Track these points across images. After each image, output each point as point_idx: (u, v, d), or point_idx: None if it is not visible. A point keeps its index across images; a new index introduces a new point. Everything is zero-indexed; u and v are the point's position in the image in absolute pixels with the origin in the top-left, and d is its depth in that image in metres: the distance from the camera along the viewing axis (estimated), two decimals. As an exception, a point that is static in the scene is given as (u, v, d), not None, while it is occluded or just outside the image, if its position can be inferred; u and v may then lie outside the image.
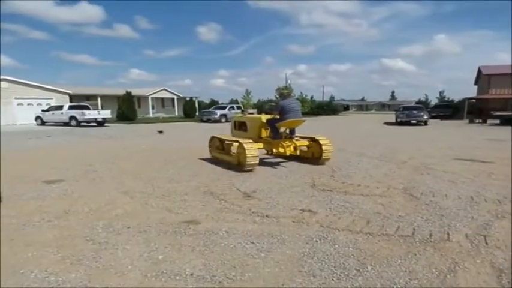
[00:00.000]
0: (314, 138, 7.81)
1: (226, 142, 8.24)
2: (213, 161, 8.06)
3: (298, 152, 7.50)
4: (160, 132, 17.53)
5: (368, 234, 3.48)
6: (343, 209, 4.31)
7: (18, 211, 4.34)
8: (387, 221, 3.88)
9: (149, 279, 2.62)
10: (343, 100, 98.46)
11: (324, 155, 7.47)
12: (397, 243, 3.26)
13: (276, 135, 7.48)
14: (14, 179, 6.27)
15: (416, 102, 63.59)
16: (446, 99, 68.00)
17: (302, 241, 3.31)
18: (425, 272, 2.71)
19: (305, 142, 7.79)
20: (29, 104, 28.32)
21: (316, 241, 3.30)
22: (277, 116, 7.37)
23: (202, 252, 3.07)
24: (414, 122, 24.45)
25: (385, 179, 6.11)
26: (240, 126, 8.50)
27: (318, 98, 66.98)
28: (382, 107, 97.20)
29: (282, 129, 7.58)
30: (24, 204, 4.63)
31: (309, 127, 22.60)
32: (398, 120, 25.12)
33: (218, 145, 8.48)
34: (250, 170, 6.74)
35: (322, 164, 7.50)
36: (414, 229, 3.62)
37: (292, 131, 7.77)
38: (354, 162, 7.84)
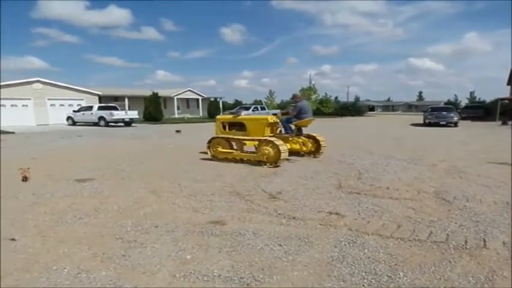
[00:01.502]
0: (313, 136, 8.85)
1: (243, 141, 8.20)
2: (236, 161, 8.04)
3: (305, 148, 8.54)
4: (178, 131, 17.95)
5: (399, 239, 3.37)
6: (372, 213, 4.21)
7: (52, 208, 4.48)
8: (419, 226, 3.75)
9: (178, 279, 2.63)
10: (369, 101, 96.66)
11: (321, 149, 8.71)
12: (430, 250, 3.14)
13: (290, 132, 8.57)
14: (47, 177, 6.50)
15: (445, 103, 61.66)
16: (477, 99, 65.59)
17: (330, 244, 3.24)
18: (461, 280, 2.59)
19: (307, 139, 8.72)
20: (61, 105, 29.33)
21: (345, 245, 3.23)
22: (288, 116, 8.66)
23: (229, 253, 3.06)
24: (443, 123, 23.67)
25: (415, 182, 5.93)
26: (232, 126, 8.72)
27: (342, 98, 66.02)
28: (408, 107, 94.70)
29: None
30: (57, 202, 4.78)
31: (331, 128, 22.33)
32: (427, 121, 24.38)
33: (224, 144, 8.38)
34: (278, 166, 7.27)
35: (317, 157, 8.58)
36: (448, 235, 3.48)
37: (299, 129, 8.81)
38: (382, 165, 7.65)
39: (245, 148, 8.37)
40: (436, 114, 24.29)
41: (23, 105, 27.23)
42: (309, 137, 8.80)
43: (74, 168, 7.53)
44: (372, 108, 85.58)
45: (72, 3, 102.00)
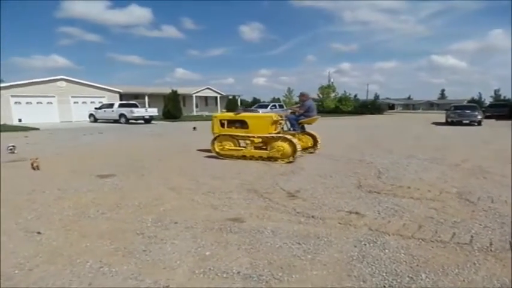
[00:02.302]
0: (311, 133, 9.38)
1: (251, 138, 8.21)
2: (254, 159, 8.03)
3: (309, 144, 9.21)
4: (194, 128, 18.23)
5: (421, 240, 3.30)
6: (393, 212, 4.14)
7: (75, 203, 4.60)
8: (441, 227, 3.66)
9: (197, 275, 2.65)
10: (388, 99, 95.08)
11: (318, 145, 9.28)
12: (453, 251, 3.06)
13: (297, 129, 9.02)
14: (70, 172, 6.68)
15: (469, 101, 59.99)
16: (502, 98, 63.44)
17: (350, 244, 3.21)
18: (485, 283, 2.52)
19: (309, 136, 9.34)
20: (83, 102, 30.06)
21: (365, 245, 3.19)
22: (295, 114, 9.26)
23: (248, 251, 3.07)
24: (466, 122, 23.01)
25: (437, 182, 5.79)
26: (231, 124, 8.70)
27: (361, 96, 65.05)
28: (430, 106, 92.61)
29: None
30: (80, 197, 4.90)
31: (350, 127, 22.09)
32: (449, 120, 23.76)
33: (230, 142, 8.35)
34: (291, 162, 7.56)
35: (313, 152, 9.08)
36: (472, 236, 3.39)
37: (303, 127, 9.30)
38: (403, 164, 7.51)
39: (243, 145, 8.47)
40: (459, 113, 23.64)
41: (48, 103, 28.06)
42: (308, 134, 9.37)
43: (95, 164, 7.71)
44: (391, 107, 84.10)
45: (95, 2, 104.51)
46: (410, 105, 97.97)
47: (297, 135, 8.67)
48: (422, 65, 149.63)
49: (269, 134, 8.12)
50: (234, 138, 8.39)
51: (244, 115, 9.17)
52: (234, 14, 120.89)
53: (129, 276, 2.65)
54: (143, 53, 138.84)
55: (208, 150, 8.79)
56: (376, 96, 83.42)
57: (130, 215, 4.13)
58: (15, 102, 26.29)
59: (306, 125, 9.44)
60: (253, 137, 8.15)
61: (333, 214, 4.09)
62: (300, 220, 3.89)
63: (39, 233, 3.54)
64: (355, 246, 3.15)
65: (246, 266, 2.79)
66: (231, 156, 8.16)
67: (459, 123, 22.80)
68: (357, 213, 4.12)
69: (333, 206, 4.42)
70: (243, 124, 8.56)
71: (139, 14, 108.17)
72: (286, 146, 7.68)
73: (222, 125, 8.77)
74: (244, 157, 8.06)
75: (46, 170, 6.92)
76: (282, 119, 8.92)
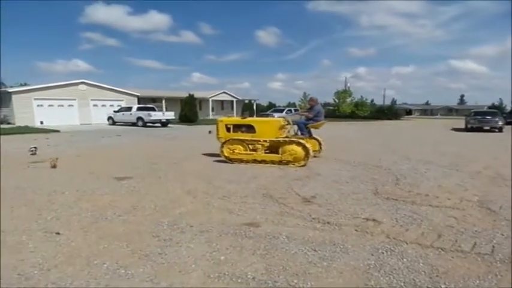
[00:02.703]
0: (316, 138, 9.48)
1: (279, 142, 8.16)
2: (265, 163, 8.01)
3: (316, 148, 9.10)
4: (210, 132, 18.27)
5: (440, 250, 3.22)
6: (411, 220, 4.05)
7: (93, 205, 4.67)
8: (461, 236, 3.57)
9: (212, 279, 2.65)
10: (406, 104, 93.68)
11: (322, 148, 9.34)
12: (474, 262, 2.98)
13: (305, 133, 9.21)
14: (89, 174, 6.80)
15: (489, 107, 58.54)
16: (525, 103, 61.63)
17: (367, 252, 3.15)
18: (509, 296, 2.44)
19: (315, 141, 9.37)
20: (102, 105, 30.65)
21: (383, 253, 3.13)
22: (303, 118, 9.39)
23: (263, 256, 3.06)
24: (487, 128, 22.44)
25: (456, 189, 5.66)
26: (237, 129, 8.72)
27: (378, 101, 64.23)
28: (448, 111, 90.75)
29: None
30: (98, 199, 4.98)
31: (367, 131, 21.82)
32: (469, 126, 23.20)
33: (241, 146, 8.29)
34: (304, 166, 7.67)
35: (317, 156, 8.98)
36: (493, 247, 3.29)
37: (310, 131, 9.42)
38: (420, 171, 7.37)
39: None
40: (480, 119, 23.06)
41: (69, 105, 28.72)
42: (313, 138, 9.46)
43: (113, 166, 7.84)
44: (409, 112, 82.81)
45: (116, 9, 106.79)
46: (428, 111, 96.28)
47: (306, 140, 8.67)
48: (440, 70, 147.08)
49: (277, 138, 8.18)
50: (243, 142, 8.36)
51: (251, 119, 9.27)
52: (250, 19, 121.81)
53: (145, 279, 2.67)
54: (161, 58, 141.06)
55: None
56: (393, 101, 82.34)
57: (146, 217, 4.17)
58: (38, 105, 27.01)
59: (311, 130, 9.57)
60: (265, 141, 8.15)
61: (349, 221, 4.04)
62: (316, 226, 3.85)
63: (58, 233, 3.61)
64: (372, 255, 3.09)
65: (261, 271, 2.78)
66: (241, 161, 8.16)
67: (479, 130, 22.25)
68: (373, 220, 4.06)
69: (349, 212, 4.37)
70: (250, 128, 8.60)
71: (158, 19, 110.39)
72: (299, 150, 7.77)
73: (228, 129, 8.78)
74: (255, 161, 8.06)
75: (66, 171, 7.07)
76: (288, 124, 9.03)
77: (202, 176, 6.71)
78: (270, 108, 40.54)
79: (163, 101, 35.52)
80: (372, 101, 58.26)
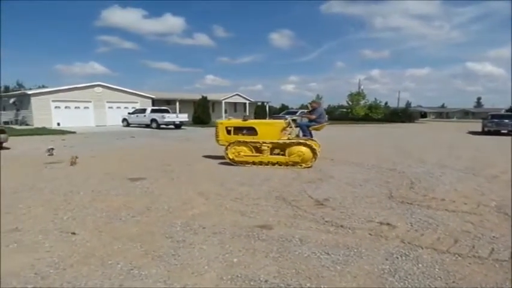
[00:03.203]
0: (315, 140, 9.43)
1: (284, 143, 8.22)
2: (271, 165, 7.99)
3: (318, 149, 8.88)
4: None
5: (456, 255, 3.15)
6: (426, 225, 3.98)
7: (108, 205, 4.73)
8: (478, 242, 3.49)
9: (225, 281, 2.65)
10: (420, 107, 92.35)
11: (318, 150, 8.66)
12: (491, 268, 2.91)
13: (308, 135, 9.31)
14: (104, 175, 6.90)
15: (507, 110, 57.15)
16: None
17: (381, 256, 3.11)
18: (529, 304, 2.37)
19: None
20: (117, 107, 31.09)
21: (397, 258, 3.08)
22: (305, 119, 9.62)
23: (276, 259, 3.04)
24: (504, 131, 21.93)
25: (473, 194, 5.54)
26: (238, 131, 8.72)
27: (392, 104, 63.36)
28: (465, 114, 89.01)
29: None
30: (112, 200, 5.05)
31: (380, 135, 21.56)
32: (486, 129, 22.71)
33: (246, 148, 8.24)
34: (310, 167, 7.79)
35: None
36: (512, 253, 3.20)
37: (311, 133, 9.59)
38: (436, 174, 7.25)
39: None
40: (497, 122, 22.55)
41: (85, 107, 29.24)
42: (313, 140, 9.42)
43: (127, 167, 7.93)
44: (423, 115, 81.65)
45: (132, 12, 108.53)
46: (443, 114, 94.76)
47: (311, 141, 8.73)
48: (457, 72, 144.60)
49: (280, 140, 8.24)
50: (248, 144, 8.29)
51: (253, 122, 9.28)
52: (264, 21, 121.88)
53: (158, 280, 2.69)
54: (175, 60, 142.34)
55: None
56: (408, 104, 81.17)
57: (160, 218, 4.20)
58: (55, 107, 27.58)
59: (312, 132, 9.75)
60: (272, 142, 8.16)
61: (363, 224, 3.99)
62: (329, 229, 3.82)
63: (73, 233, 3.66)
64: (387, 259, 3.05)
65: (273, 274, 2.76)
66: (246, 163, 8.13)
67: (497, 133, 21.77)
68: (388, 224, 4.00)
69: (363, 216, 4.32)
70: (251, 131, 8.62)
71: (173, 22, 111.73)
72: (307, 151, 7.89)
73: (229, 132, 8.76)
74: (261, 163, 8.04)
75: (81, 172, 7.19)
76: (290, 126, 9.06)
77: (214, 177, 6.73)
78: (283, 111, 40.41)
79: (177, 103, 35.82)
80: (386, 103, 57.65)
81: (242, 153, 8.19)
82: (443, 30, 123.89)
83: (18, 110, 28.46)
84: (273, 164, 7.98)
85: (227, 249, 3.25)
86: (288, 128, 8.98)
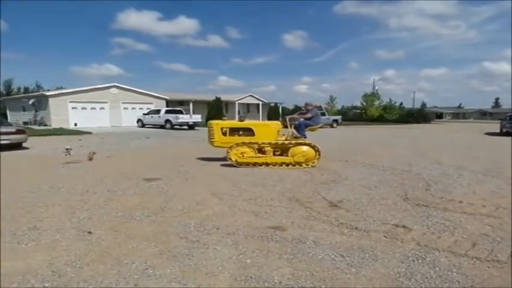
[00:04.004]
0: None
1: (285, 144, 8.29)
2: (274, 166, 7.96)
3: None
4: None
5: (475, 259, 3.08)
6: (443, 228, 3.91)
7: (123, 205, 4.80)
8: (498, 246, 3.40)
9: (239, 282, 2.65)
10: (436, 107, 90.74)
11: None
12: (510, 272, 2.83)
13: (303, 135, 9.04)
14: (119, 175, 6.99)
15: (527, 111, 55.65)
16: None
17: (397, 259, 3.06)
18: (551, 311, 2.30)
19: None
20: (132, 108, 31.50)
21: (413, 261, 3.03)
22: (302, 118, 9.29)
23: (289, 261, 3.03)
24: (524, 132, 21.32)
25: (492, 196, 5.41)
26: (233, 132, 8.66)
27: (407, 104, 62.28)
28: (482, 115, 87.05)
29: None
30: (128, 199, 5.11)
31: (394, 136, 21.26)
32: (504, 130, 22.11)
33: (249, 149, 8.20)
34: (314, 166, 7.94)
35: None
36: (533, 258, 3.12)
37: (305, 134, 9.29)
38: (453, 176, 7.11)
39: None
40: (516, 123, 21.96)
41: (101, 108, 29.72)
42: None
43: (142, 167, 8.02)
44: (439, 115, 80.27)
45: (147, 14, 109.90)
46: (460, 114, 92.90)
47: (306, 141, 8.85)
48: (473, 72, 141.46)
49: (276, 140, 8.33)
50: (251, 145, 8.25)
51: (250, 123, 9.30)
52: (277, 22, 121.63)
53: (173, 279, 2.70)
54: (189, 62, 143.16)
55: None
56: (423, 105, 79.83)
57: (174, 218, 4.23)
58: (72, 108, 28.11)
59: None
60: (273, 144, 8.21)
61: (378, 227, 3.94)
62: (343, 231, 3.79)
63: (90, 232, 3.72)
64: (403, 262, 3.00)
65: (287, 276, 2.75)
66: (249, 164, 8.07)
67: (516, 134, 21.20)
68: (403, 226, 3.94)
69: (378, 218, 4.26)
70: (248, 132, 8.61)
71: (187, 24, 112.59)
72: (310, 151, 8.07)
73: (224, 133, 8.67)
74: (264, 164, 8.03)
75: (97, 172, 7.30)
76: (286, 126, 9.12)
77: (227, 178, 6.75)
78: (296, 112, 40.31)
79: (191, 104, 36.06)
80: (401, 104, 56.58)
81: (246, 155, 8.15)
82: (459, 29, 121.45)
83: (36, 110, 29.11)
84: (279, 164, 8.00)
85: (241, 250, 3.25)
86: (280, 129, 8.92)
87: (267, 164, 8.02)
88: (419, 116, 48.73)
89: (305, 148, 8.09)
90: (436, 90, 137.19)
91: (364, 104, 50.02)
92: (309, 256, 3.13)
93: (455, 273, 2.80)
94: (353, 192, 5.61)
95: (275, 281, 2.67)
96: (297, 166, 7.95)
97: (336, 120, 33.44)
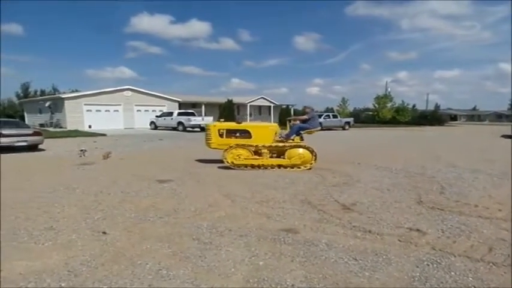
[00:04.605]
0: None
1: (281, 146, 8.27)
2: (271, 168, 7.95)
3: None
4: None
5: (491, 264, 3.02)
6: (459, 232, 3.85)
7: (136, 206, 4.85)
8: (515, 251, 3.33)
9: (251, 284, 2.66)
10: (450, 109, 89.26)
11: None
12: (529, 279, 2.77)
13: (291, 136, 8.89)
14: (132, 176, 7.08)
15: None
16: None
17: (411, 263, 3.02)
18: None
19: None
20: (145, 111, 31.86)
21: (428, 265, 2.99)
22: (299, 122, 9.18)
23: (302, 264, 3.02)
24: (542, 135, 20.84)
25: (508, 200, 5.28)
26: (230, 134, 8.66)
27: (420, 107, 61.34)
28: (497, 117, 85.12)
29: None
30: (141, 201, 5.17)
31: (407, 138, 21.00)
32: (521, 132, 21.70)
33: (245, 151, 8.19)
34: (311, 169, 7.96)
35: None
36: (552, 263, 3.04)
37: (302, 137, 9.15)
38: (468, 179, 6.98)
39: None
40: (534, 125, 21.48)
41: (115, 111, 30.15)
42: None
43: (155, 169, 8.10)
44: (454, 118, 78.92)
45: (160, 18, 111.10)
46: (475, 117, 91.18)
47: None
48: (488, 74, 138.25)
49: (272, 143, 8.35)
50: (247, 147, 8.23)
51: (247, 125, 9.35)
52: (289, 25, 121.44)
53: (186, 280, 2.72)
54: (201, 64, 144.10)
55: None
56: (437, 107, 78.50)
57: (187, 220, 4.26)
58: (87, 110, 28.59)
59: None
60: (270, 146, 8.20)
61: (391, 230, 3.90)
62: (356, 235, 3.76)
63: (104, 233, 3.78)
64: (417, 266, 2.96)
65: (300, 279, 2.74)
66: (246, 166, 8.07)
67: (534, 137, 20.72)
68: (418, 230, 3.89)
69: (392, 221, 4.22)
70: (245, 134, 8.60)
71: (199, 27, 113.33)
72: (307, 154, 8.08)
73: (221, 135, 8.68)
74: (261, 166, 8.03)
75: (111, 173, 7.41)
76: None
77: (239, 180, 6.76)
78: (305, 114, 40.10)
79: (203, 106, 36.29)
80: (414, 106, 55.77)
81: (242, 157, 8.14)
82: (473, 30, 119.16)
83: (52, 113, 29.66)
84: (273, 167, 8.02)
85: (253, 252, 3.26)
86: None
87: (264, 167, 8.02)
88: (432, 118, 48.02)
89: (301, 150, 8.11)
90: (450, 92, 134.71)
91: (377, 106, 49.54)
92: (321, 259, 3.11)
93: (471, 278, 2.76)
94: (366, 195, 5.56)
95: (288, 283, 2.67)
96: (295, 168, 7.95)
97: (347, 123, 33.21)
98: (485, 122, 79.44)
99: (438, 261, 3.07)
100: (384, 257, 3.16)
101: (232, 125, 9.23)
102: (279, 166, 8.04)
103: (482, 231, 3.87)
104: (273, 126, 9.03)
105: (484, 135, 25.57)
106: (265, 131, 8.72)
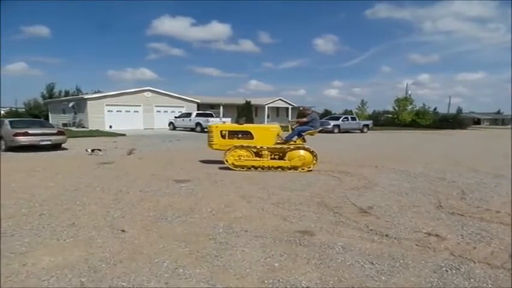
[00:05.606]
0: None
1: (282, 148, 8.30)
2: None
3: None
4: None
5: (512, 272, 2.94)
6: (479, 238, 3.76)
7: (154, 205, 4.94)
8: (538, 259, 3.23)
9: (266, 285, 2.67)
10: (473, 113, 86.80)
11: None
12: (554, 288, 2.68)
13: (290, 138, 8.81)
14: (150, 176, 7.20)
15: None
16: None
17: (429, 269, 2.98)
18: None
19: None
20: (164, 111, 32.31)
21: (446, 271, 2.94)
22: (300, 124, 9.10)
23: (317, 266, 3.02)
24: None
25: (533, 207, 5.13)
26: (233, 135, 8.67)
27: (442, 110, 59.80)
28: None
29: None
30: (159, 200, 5.26)
31: (426, 141, 20.55)
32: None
33: (247, 152, 8.18)
34: (311, 170, 7.94)
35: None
36: None
37: (304, 138, 9.03)
38: (490, 185, 6.80)
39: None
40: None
41: (135, 111, 30.68)
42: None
43: (173, 169, 8.22)
44: (477, 121, 76.74)
45: (181, 21, 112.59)
46: (499, 121, 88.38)
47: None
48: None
49: (275, 144, 8.36)
50: (248, 148, 8.22)
51: (249, 126, 9.35)
52: (309, 27, 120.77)
53: (202, 280, 2.76)
54: (220, 66, 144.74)
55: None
56: (459, 110, 76.34)
57: (203, 220, 4.32)
58: (108, 111, 29.22)
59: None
60: (270, 147, 8.20)
61: (409, 235, 3.85)
62: (373, 238, 3.72)
63: (123, 231, 3.87)
64: (435, 272, 2.92)
65: (315, 281, 2.74)
66: (246, 167, 8.07)
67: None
68: (436, 235, 3.82)
69: (410, 226, 4.16)
70: (247, 135, 8.61)
71: (219, 29, 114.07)
72: (308, 155, 8.09)
73: (223, 136, 8.69)
74: (262, 168, 8.04)
75: (130, 173, 7.56)
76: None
77: (256, 181, 6.79)
78: (326, 116, 39.73)
79: (221, 108, 36.56)
80: (435, 109, 54.45)
81: (242, 158, 8.15)
82: (498, 32, 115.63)
83: (76, 113, 30.43)
84: (275, 168, 8.03)
85: (269, 253, 3.27)
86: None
87: (264, 168, 8.04)
88: (454, 121, 46.82)
89: (302, 152, 8.10)
90: (473, 96, 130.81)
91: (396, 108, 48.66)
92: (337, 262, 3.10)
93: (490, 285, 2.70)
94: (383, 199, 5.49)
95: (303, 285, 2.67)
96: (297, 170, 7.94)
97: (366, 125, 32.73)
98: (509, 126, 76.94)
99: (457, 267, 3.02)
100: (401, 261, 3.12)
101: (234, 126, 9.38)
102: (283, 168, 8.02)
103: (504, 237, 3.78)
104: (274, 127, 9.01)
105: (507, 139, 24.78)
106: (266, 133, 8.73)
